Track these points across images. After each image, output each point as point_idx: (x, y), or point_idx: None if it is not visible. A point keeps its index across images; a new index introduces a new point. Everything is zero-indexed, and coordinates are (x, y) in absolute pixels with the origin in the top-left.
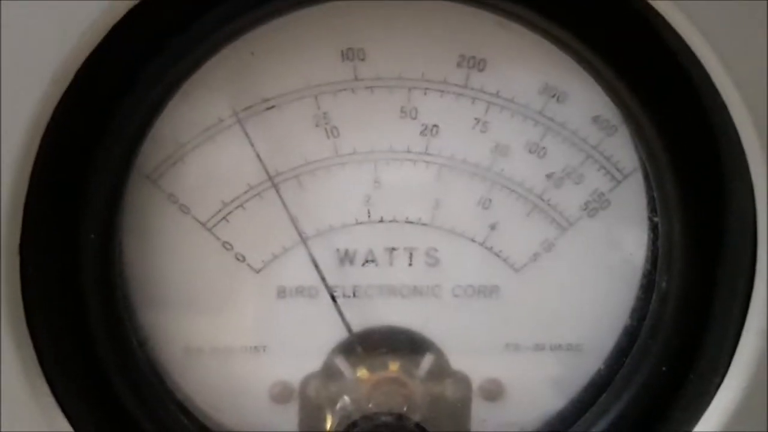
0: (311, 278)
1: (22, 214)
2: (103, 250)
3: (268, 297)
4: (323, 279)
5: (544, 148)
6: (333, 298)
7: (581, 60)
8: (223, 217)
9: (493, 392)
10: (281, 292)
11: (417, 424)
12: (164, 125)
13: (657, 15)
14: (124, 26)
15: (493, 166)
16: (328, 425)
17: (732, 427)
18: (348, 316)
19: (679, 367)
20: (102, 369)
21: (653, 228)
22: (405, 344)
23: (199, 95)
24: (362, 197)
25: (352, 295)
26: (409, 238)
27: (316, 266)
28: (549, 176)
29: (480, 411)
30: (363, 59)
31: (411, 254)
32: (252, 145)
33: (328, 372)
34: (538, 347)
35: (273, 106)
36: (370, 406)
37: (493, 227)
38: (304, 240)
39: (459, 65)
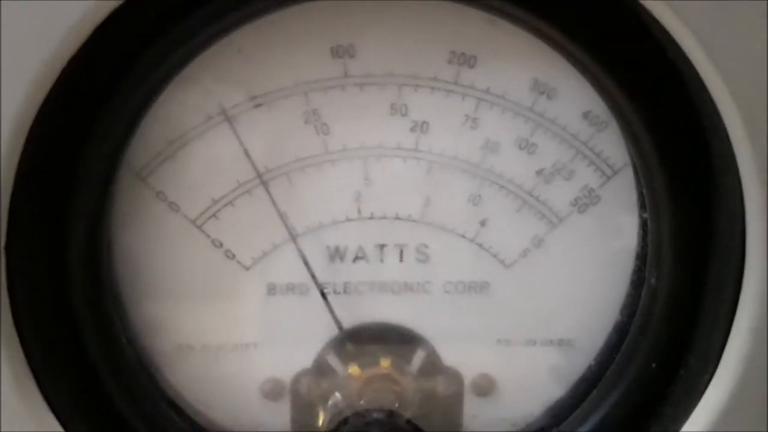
0: (301, 275)
1: (8, 211)
2: (91, 248)
3: (258, 294)
4: (313, 276)
5: (534, 144)
6: (323, 295)
7: (570, 57)
8: (213, 215)
9: (485, 388)
10: (271, 289)
11: (408, 421)
12: (153, 123)
13: (646, 11)
14: (111, 23)
15: (483, 163)
16: (320, 422)
17: (722, 422)
18: (339, 312)
19: (669, 363)
20: (92, 367)
21: (643, 224)
22: (396, 340)
23: (188, 93)
24: (352, 194)
25: (342, 291)
26: (399, 235)
27: (306, 263)
28: (539, 172)
29: (472, 407)
30: (353, 56)
31: (401, 251)
32: (241, 142)
33: (320, 369)
34: (529, 343)
35: (262, 104)
36: (361, 402)
37: (483, 223)
38: (293, 237)
39: (449, 62)
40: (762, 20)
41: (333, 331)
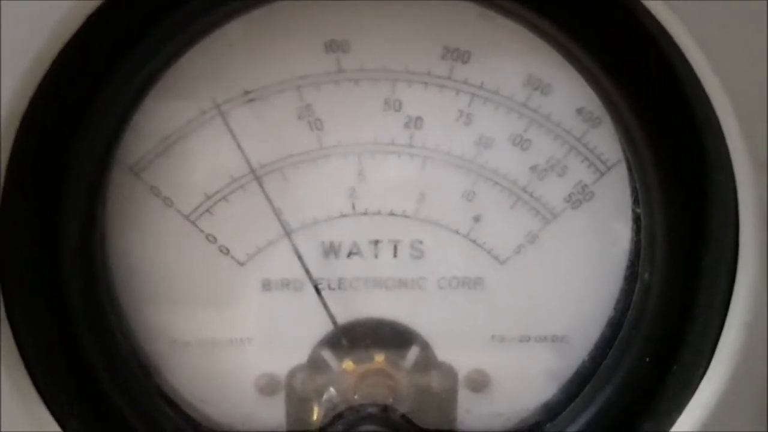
0: (296, 271)
1: (0, 208)
2: (85, 244)
3: (253, 290)
4: (308, 271)
5: (528, 140)
6: (318, 291)
7: (565, 52)
8: (207, 210)
9: (479, 383)
10: (266, 285)
11: (403, 416)
12: (146, 118)
13: (641, 7)
14: (100, 17)
15: (477, 159)
16: (315, 417)
17: (716, 417)
18: (333, 308)
19: (662, 358)
20: (87, 363)
21: (636, 220)
22: (390, 336)
23: (181, 87)
24: (346, 190)
25: (337, 287)
26: (393, 231)
27: (301, 259)
28: (533, 168)
29: (466, 402)
30: (346, 51)
31: (396, 246)
32: (234, 137)
33: (314, 364)
34: (524, 339)
35: (255, 99)
36: (356, 397)
37: (477, 219)
38: (288, 233)
39: (443, 57)
40: (756, 16)
41: (327, 327)
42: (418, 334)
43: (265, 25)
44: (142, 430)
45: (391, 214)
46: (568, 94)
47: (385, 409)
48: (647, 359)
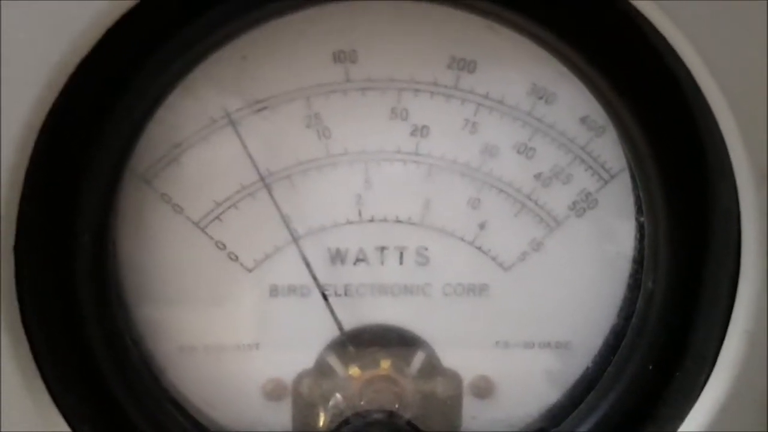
0: (303, 277)
1: (17, 213)
2: (97, 250)
3: (260, 295)
4: (315, 278)
5: (532, 148)
6: (324, 297)
7: (569, 62)
8: (216, 217)
9: (484, 389)
10: (273, 291)
11: (408, 422)
12: (158, 126)
13: (642, 18)
14: (118, 30)
15: (483, 167)
16: (321, 422)
17: (718, 423)
18: (339, 314)
19: (665, 365)
20: (97, 367)
21: (640, 228)
22: (396, 342)
23: (193, 97)
24: (353, 197)
25: (343, 293)
26: (399, 238)
27: (308, 265)
28: (537, 176)
29: (470, 408)
30: (354, 61)
31: (401, 253)
32: (244, 145)
33: (321, 370)
34: (528, 345)
35: (265, 108)
36: (362, 403)
37: (482, 227)
38: (295, 239)
39: (449, 67)
40: (758, 25)
41: (334, 333)
42: (423, 340)
43: (275, 37)
44: None
45: (397, 221)
46: (572, 103)
47: (391, 414)
48: (650, 366)
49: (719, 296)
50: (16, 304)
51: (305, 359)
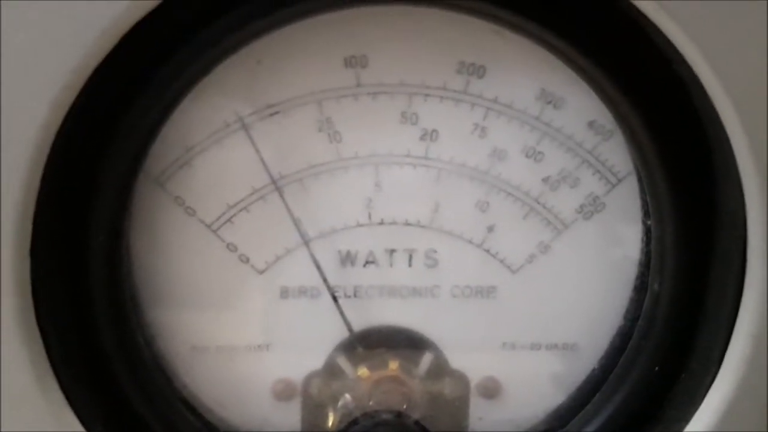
0: (313, 279)
1: (33, 215)
2: (111, 251)
3: (271, 297)
4: (325, 279)
5: (540, 152)
6: (334, 298)
7: (577, 67)
8: (228, 219)
9: (491, 390)
10: (284, 293)
11: (416, 422)
12: (172, 130)
13: (649, 22)
14: (135, 34)
15: (491, 170)
16: (330, 423)
17: (723, 425)
18: (349, 315)
19: (671, 366)
20: (110, 367)
21: (647, 231)
22: (404, 343)
23: (207, 101)
24: (363, 200)
25: (353, 295)
26: (408, 240)
27: (318, 267)
28: (545, 180)
29: (478, 409)
30: (365, 66)
31: (410, 255)
32: (257, 149)
33: (330, 370)
34: (535, 347)
35: (278, 112)
36: (370, 403)
37: (490, 229)
38: (306, 242)
39: (458, 72)
40: (763, 29)
41: (343, 334)
42: (431, 341)
43: (287, 42)
44: None
45: (407, 224)
46: (580, 107)
47: (399, 415)
48: (656, 368)
49: (725, 298)
50: (31, 303)
51: (315, 360)
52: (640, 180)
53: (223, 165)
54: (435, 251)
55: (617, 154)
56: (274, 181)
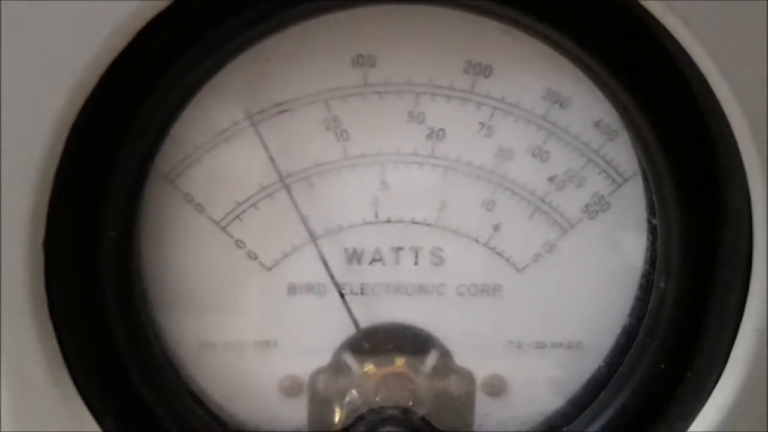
0: (320, 276)
1: (47, 211)
2: (122, 247)
3: (278, 294)
4: (332, 277)
5: (546, 151)
6: (341, 296)
7: (583, 67)
8: (237, 216)
9: (496, 388)
10: (291, 289)
11: (422, 418)
12: (182, 127)
13: (657, 23)
14: (147, 33)
15: (497, 169)
16: (337, 418)
17: (728, 423)
18: (356, 312)
19: (676, 365)
20: (120, 361)
21: (652, 230)
22: (411, 341)
23: (216, 99)
24: (370, 198)
25: (359, 292)
26: (414, 238)
27: (325, 264)
28: (551, 179)
29: (483, 406)
30: (373, 65)
31: (417, 253)
32: (265, 147)
33: (337, 367)
34: (540, 345)
35: (286, 110)
36: (377, 400)
37: (496, 228)
38: (313, 239)
39: (465, 71)
40: None
41: (350, 331)
42: (437, 339)
43: (297, 41)
44: (172, 427)
45: (413, 222)
46: (586, 107)
47: (405, 411)
48: (662, 366)
49: (730, 296)
50: (44, 298)
51: (322, 356)
52: (645, 179)
53: (232, 162)
54: (441, 249)
55: (623, 153)
56: (282, 179)
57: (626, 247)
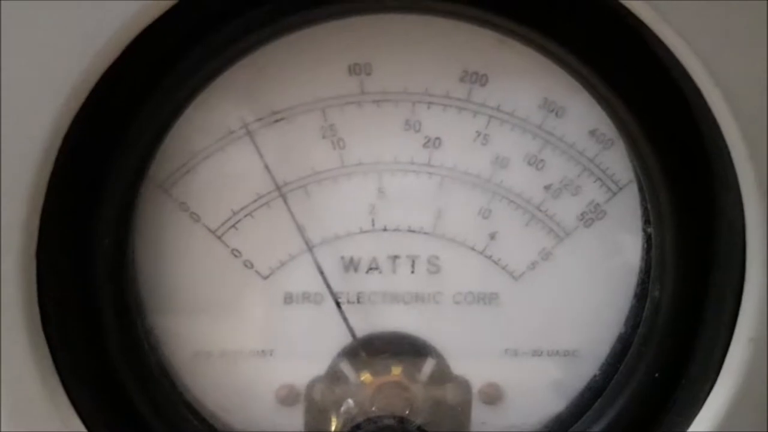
0: (317, 285)
1: (40, 219)
2: (116, 256)
3: (275, 303)
4: (328, 285)
5: (542, 160)
6: (338, 304)
7: (578, 76)
8: (233, 225)
9: (493, 396)
10: (288, 298)
11: (419, 427)
12: (177, 136)
13: (651, 33)
14: (141, 42)
15: (493, 178)
16: (333, 427)
17: (723, 430)
18: (352, 321)
19: (671, 373)
20: (115, 371)
21: (647, 238)
22: (407, 349)
23: (211, 107)
24: (367, 207)
25: (356, 301)
26: (411, 247)
27: (322, 273)
28: (547, 187)
29: (480, 414)
30: (369, 74)
31: (413, 262)
32: (261, 155)
33: (333, 376)
34: (536, 353)
35: (282, 119)
36: (373, 408)
37: (492, 236)
38: (310, 248)
39: (461, 80)
40: (763, 38)
41: (346, 340)
42: (434, 347)
43: (292, 50)
44: None
45: (410, 230)
46: (581, 116)
47: (402, 420)
48: (656, 374)
49: (724, 305)
50: (36, 307)
51: (318, 365)
52: (640, 188)
53: (228, 171)
54: (437, 258)
55: (618, 162)
56: (278, 188)
57: (621, 255)
